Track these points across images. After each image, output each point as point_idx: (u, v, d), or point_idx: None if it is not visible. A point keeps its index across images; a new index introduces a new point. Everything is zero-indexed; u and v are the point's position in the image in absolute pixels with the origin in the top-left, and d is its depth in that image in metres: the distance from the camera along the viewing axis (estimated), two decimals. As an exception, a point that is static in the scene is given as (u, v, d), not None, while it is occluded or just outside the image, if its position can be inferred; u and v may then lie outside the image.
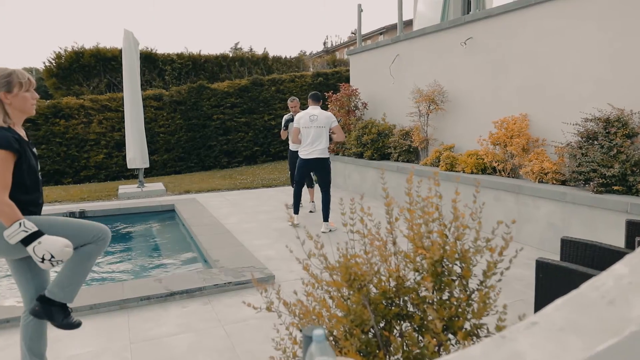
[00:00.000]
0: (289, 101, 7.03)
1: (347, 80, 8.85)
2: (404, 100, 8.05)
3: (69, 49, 12.94)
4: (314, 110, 5.83)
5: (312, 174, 6.80)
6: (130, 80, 8.68)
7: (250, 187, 9.47)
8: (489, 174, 6.04)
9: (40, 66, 19.46)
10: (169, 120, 12.33)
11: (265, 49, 14.90)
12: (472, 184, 5.76)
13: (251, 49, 15.20)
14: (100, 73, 13.35)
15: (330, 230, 5.83)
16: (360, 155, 8.47)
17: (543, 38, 5.51)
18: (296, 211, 6.17)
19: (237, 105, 13.03)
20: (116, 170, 11.65)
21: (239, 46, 14.91)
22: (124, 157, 11.63)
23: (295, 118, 5.90)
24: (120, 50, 13.33)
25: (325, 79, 14.13)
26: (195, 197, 8.45)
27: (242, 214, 6.89)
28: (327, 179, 5.87)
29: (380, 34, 22.07)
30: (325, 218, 5.82)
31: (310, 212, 6.91)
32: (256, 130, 13.27)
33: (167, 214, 7.24)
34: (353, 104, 9.01)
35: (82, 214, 6.94)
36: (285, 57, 15.53)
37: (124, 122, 11.87)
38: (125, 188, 9.08)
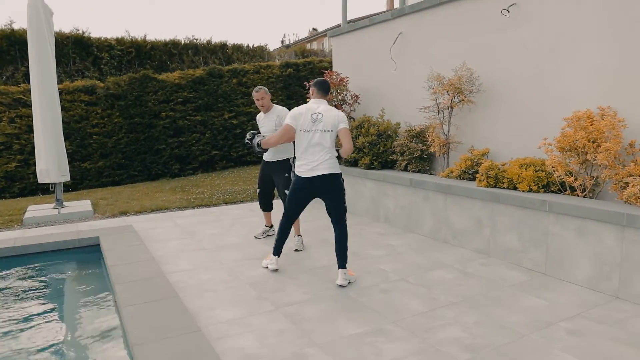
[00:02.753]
0: (253, 92, 4.98)
1: (325, 70, 7.20)
2: (411, 92, 6.20)
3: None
4: (318, 105, 3.89)
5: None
6: (40, 64, 6.34)
7: (208, 204, 7.33)
8: (553, 192, 4.27)
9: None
10: (105, 119, 9.93)
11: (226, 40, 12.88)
12: (539, 209, 3.96)
13: (210, 40, 12.92)
14: (17, 59, 10.73)
15: (349, 283, 3.89)
16: (353, 163, 6.54)
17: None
18: (277, 251, 4.19)
19: (191, 101, 10.79)
20: (34, 182, 9.15)
21: (194, 37, 12.59)
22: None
23: (291, 114, 3.91)
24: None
25: (295, 70, 12.12)
26: (134, 221, 6.24)
27: (199, 252, 4.80)
28: (341, 206, 3.98)
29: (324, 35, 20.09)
30: (342, 264, 3.90)
31: (297, 250, 4.92)
32: (214, 131, 11.09)
33: (87, 253, 5.01)
34: (341, 97, 7.08)
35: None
36: (248, 46, 13.39)
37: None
38: (35, 210, 6.72)
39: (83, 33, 11.26)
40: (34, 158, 9.22)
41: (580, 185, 3.99)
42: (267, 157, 4.99)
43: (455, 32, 5.49)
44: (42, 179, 6.51)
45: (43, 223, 6.27)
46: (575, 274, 3.76)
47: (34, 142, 9.23)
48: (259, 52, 13.68)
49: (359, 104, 7.14)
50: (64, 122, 9.48)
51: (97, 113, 9.87)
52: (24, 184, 9.17)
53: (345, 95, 7.14)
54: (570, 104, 4.33)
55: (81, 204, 7.04)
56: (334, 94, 6.93)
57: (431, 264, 4.37)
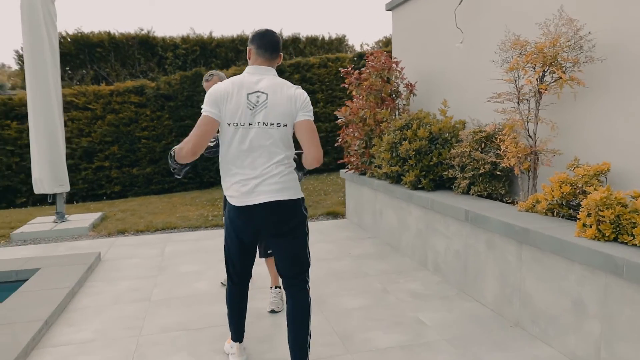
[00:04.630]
0: (203, 81, 3.38)
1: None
2: (483, 73, 4.07)
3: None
4: (259, 78, 2.23)
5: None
6: (33, 65, 5.52)
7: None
8: None
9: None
10: (155, 121, 9.20)
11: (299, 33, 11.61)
12: None
13: (280, 34, 11.67)
14: (86, 63, 10.62)
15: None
16: (396, 180, 4.58)
17: None
18: (238, 336, 2.54)
19: (247, 100, 9.59)
20: (78, 189, 8.71)
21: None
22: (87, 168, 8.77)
23: (210, 96, 2.19)
24: (110, 35, 10.54)
25: (371, 63, 10.27)
26: (123, 243, 5.08)
27: (130, 307, 3.33)
28: (302, 256, 2.34)
29: None
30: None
31: (273, 312, 3.20)
32: (273, 134, 9.75)
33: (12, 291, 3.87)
34: (392, 88, 5.15)
35: None
36: (323, 39, 11.88)
37: (95, 122, 8.96)
38: (32, 224, 5.95)
39: (148, 33, 10.80)
40: (81, 163, 8.82)
41: None
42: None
43: (552, -34, 3.27)
44: (37, 189, 5.70)
45: (30, 240, 5.43)
46: None
47: (84, 146, 8.85)
48: (336, 45, 12.10)
49: (414, 95, 5.13)
50: (112, 126, 8.96)
51: (146, 115, 9.17)
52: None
53: (398, 84, 5.19)
54: None
55: (84, 219, 6.14)
56: (382, 82, 5.02)
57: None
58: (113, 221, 6.26)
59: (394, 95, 5.20)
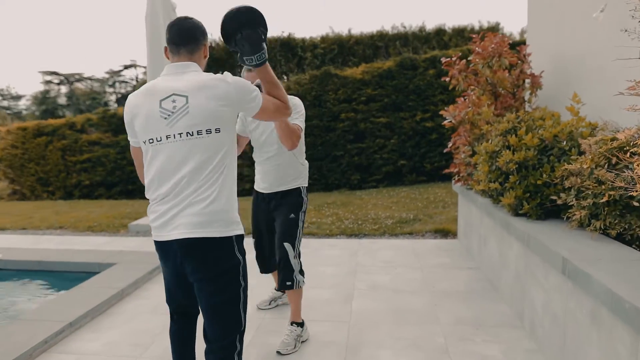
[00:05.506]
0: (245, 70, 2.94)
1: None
2: (624, 56, 2.78)
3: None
4: (175, 78, 1.74)
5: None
6: (152, 65, 5.92)
7: (315, 234, 5.50)
8: None
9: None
10: (284, 121, 9.28)
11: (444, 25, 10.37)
12: None
13: (423, 26, 10.81)
14: (234, 67, 11.39)
15: None
16: (496, 199, 3.49)
17: None
18: None
19: (376, 99, 8.99)
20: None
21: (403, 25, 10.74)
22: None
23: (125, 110, 1.80)
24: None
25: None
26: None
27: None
28: (231, 315, 1.80)
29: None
30: None
31: (279, 353, 2.66)
32: (402, 135, 8.97)
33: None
34: (514, 81, 4.01)
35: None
36: (472, 29, 10.52)
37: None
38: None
39: (289, 35, 11.04)
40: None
41: None
42: (261, 184, 2.90)
43: None
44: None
45: (142, 233, 5.85)
46: None
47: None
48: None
49: (540, 89, 3.90)
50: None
51: (276, 115, 9.32)
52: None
53: (519, 77, 4.02)
54: None
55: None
56: (497, 73, 3.94)
57: None
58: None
59: (512, 92, 4.04)
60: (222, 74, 1.69)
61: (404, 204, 6.82)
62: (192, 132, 1.61)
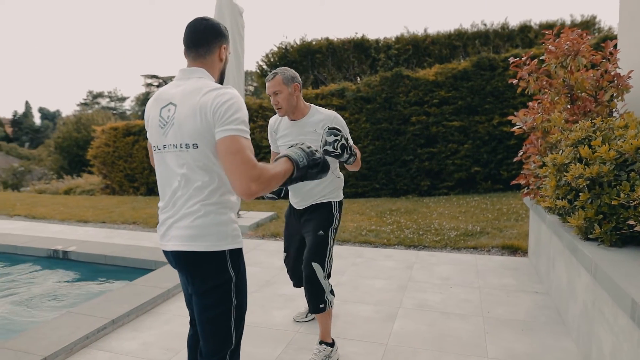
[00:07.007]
0: (266, 81, 2.76)
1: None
2: None
3: (276, 48, 11.61)
4: (177, 86, 1.66)
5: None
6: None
7: (372, 242, 5.29)
8: None
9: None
10: (353, 124, 9.14)
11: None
12: None
13: (506, 23, 10.10)
14: (308, 69, 11.48)
15: None
16: (564, 218, 3.04)
17: None
18: None
19: (449, 102, 8.51)
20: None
21: (484, 23, 10.12)
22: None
23: (146, 114, 1.75)
24: (328, 40, 11.11)
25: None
26: (267, 248, 5.12)
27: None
28: (220, 332, 1.68)
29: None
30: None
31: None
32: (477, 140, 8.40)
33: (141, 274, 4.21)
34: (596, 83, 3.51)
35: (65, 255, 4.85)
36: (563, 24, 9.58)
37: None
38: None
39: (362, 36, 10.87)
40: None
41: None
42: (293, 198, 2.80)
43: None
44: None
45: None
46: None
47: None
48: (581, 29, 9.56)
49: (627, 92, 3.36)
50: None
51: (345, 118, 9.19)
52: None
53: (602, 75, 3.51)
54: None
55: (253, 217, 6.47)
56: (561, 74, 3.48)
57: None
58: (280, 222, 6.41)
59: (594, 95, 3.53)
60: (226, 86, 1.58)
61: (473, 215, 6.35)
62: (177, 145, 1.54)
